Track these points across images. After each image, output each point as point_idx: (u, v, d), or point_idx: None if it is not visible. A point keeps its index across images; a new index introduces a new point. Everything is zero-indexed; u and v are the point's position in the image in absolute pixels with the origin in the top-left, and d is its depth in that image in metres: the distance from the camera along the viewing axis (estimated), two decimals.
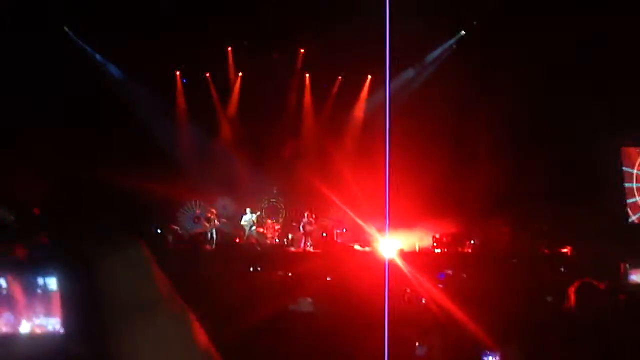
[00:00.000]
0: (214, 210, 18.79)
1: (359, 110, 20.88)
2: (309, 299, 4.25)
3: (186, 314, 1.19)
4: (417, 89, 20.27)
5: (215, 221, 18.40)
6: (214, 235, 18.26)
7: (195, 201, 20.19)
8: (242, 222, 18.72)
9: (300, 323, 4.13)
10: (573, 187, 17.21)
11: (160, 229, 16.40)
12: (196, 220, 19.30)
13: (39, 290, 1.45)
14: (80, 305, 1.34)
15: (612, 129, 17.29)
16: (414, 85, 20.48)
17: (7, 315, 1.46)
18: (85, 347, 1.31)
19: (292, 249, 18.38)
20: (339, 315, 4.49)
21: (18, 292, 1.45)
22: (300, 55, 19.84)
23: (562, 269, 11.20)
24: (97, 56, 19.08)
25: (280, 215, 20.78)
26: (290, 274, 10.62)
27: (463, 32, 19.46)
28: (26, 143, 16.06)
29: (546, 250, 16.91)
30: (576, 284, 5.40)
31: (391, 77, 20.56)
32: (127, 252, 1.23)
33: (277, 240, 19.13)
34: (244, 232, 18.57)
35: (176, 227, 18.73)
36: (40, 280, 1.46)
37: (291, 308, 4.30)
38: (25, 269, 1.46)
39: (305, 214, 18.72)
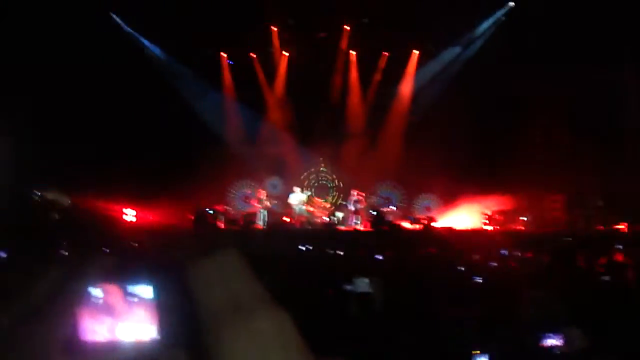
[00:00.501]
0: (263, 191, 18.92)
1: (407, 86, 20.66)
2: (366, 279, 4.23)
3: (284, 317, 1.18)
4: (466, 63, 19.93)
5: (266, 202, 18.48)
6: (266, 216, 18.36)
7: (245, 181, 20.38)
8: (291, 201, 18.78)
9: (357, 304, 4.13)
10: (628, 161, 16.73)
11: (212, 210, 16.62)
12: (246, 200, 19.48)
13: (135, 299, 1.48)
14: (176, 313, 1.35)
15: None
16: (462, 59, 20.14)
17: (109, 322, 1.48)
18: (182, 355, 1.32)
19: (342, 227, 18.39)
20: (394, 297, 4.47)
21: (118, 300, 1.48)
22: (346, 33, 19.68)
23: (619, 247, 10.86)
24: (144, 41, 19.32)
25: (330, 194, 20.83)
26: (341, 253, 10.63)
27: (512, 3, 18.94)
28: (78, 127, 16.43)
29: (601, 227, 16.51)
30: (632, 263, 5.26)
31: (439, 51, 20.30)
32: (221, 257, 1.23)
33: (326, 218, 19.16)
34: (294, 212, 18.64)
35: (227, 208, 18.97)
36: (136, 289, 1.48)
37: (347, 288, 4.28)
38: (121, 278, 1.48)
39: (355, 192, 18.68)
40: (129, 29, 18.95)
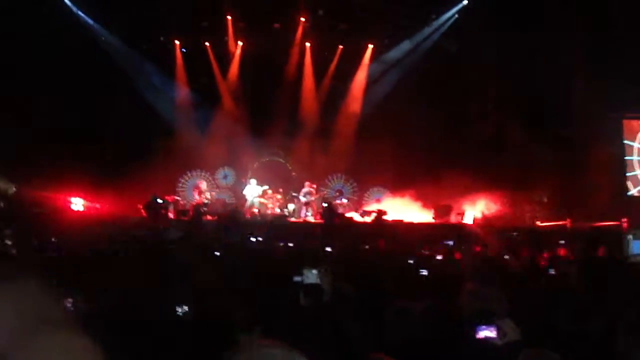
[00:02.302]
0: (204, 182, 18.98)
1: (360, 79, 20.77)
2: (314, 271, 4.29)
3: (75, 346, 1.23)
4: (418, 58, 20.18)
5: (207, 194, 18.48)
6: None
7: (196, 171, 20.23)
8: (245, 192, 18.75)
9: (306, 295, 4.19)
10: (573, 159, 17.24)
11: (162, 200, 16.45)
12: (195, 190, 19.36)
13: None
14: None
15: (613, 101, 17.23)
16: (414, 54, 20.35)
17: None
18: None
19: (293, 219, 18.46)
20: (342, 288, 4.56)
21: None
22: (301, 24, 19.66)
23: (562, 242, 11.25)
24: (97, 27, 18.89)
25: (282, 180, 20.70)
26: (291, 245, 10.68)
27: (466, 2, 19.22)
28: (25, 113, 16.02)
29: (545, 223, 16.98)
30: (576, 258, 5.49)
31: (393, 45, 20.48)
32: (18, 284, 1.27)
33: (278, 210, 19.19)
34: (246, 202, 18.60)
35: (177, 198, 18.80)
36: None
37: (295, 280, 4.35)
38: None
39: (306, 184, 18.78)
40: (80, 13, 18.51)
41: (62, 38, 16.35)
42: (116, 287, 4.26)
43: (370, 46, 20.33)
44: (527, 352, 2.79)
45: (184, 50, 20.04)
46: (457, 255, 9.04)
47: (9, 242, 8.31)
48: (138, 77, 19.30)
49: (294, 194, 19.68)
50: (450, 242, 10.61)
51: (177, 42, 19.85)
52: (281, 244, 10.69)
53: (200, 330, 3.52)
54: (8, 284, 1.26)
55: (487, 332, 3.12)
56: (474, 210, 18.10)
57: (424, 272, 6.20)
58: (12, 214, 13.25)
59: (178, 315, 3.92)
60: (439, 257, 8.74)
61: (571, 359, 2.80)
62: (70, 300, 3.69)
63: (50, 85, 16.23)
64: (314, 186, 18.90)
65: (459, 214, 17.86)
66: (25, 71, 15.65)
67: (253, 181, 18.92)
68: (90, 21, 18.72)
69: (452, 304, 3.68)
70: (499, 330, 3.13)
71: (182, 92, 20.17)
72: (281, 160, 21.04)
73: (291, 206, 19.22)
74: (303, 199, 18.68)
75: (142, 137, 17.71)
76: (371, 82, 20.67)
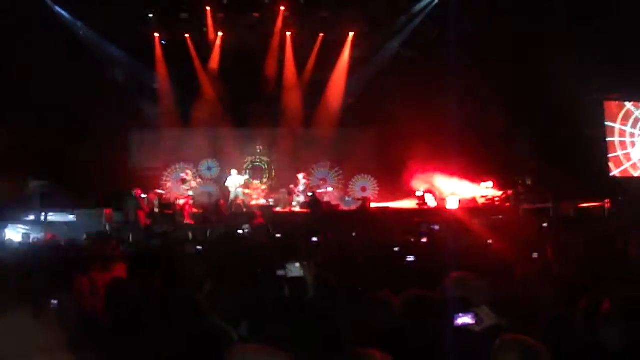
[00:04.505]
0: (188, 172, 18.78)
1: (342, 67, 20.68)
2: (297, 264, 4.29)
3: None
4: (400, 45, 20.18)
5: (192, 183, 18.30)
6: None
7: (180, 164, 20.13)
8: (227, 184, 18.64)
9: (290, 288, 4.19)
10: (556, 142, 17.33)
11: (146, 194, 16.34)
12: (181, 183, 19.27)
13: None
14: None
15: (594, 83, 17.34)
16: (396, 41, 20.32)
17: None
18: None
19: (278, 209, 18.43)
20: (327, 280, 4.56)
21: None
22: (281, 13, 19.54)
23: (544, 225, 11.34)
24: (76, 22, 18.66)
25: (265, 176, 20.79)
26: (278, 235, 10.69)
27: None
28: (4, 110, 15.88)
29: (529, 206, 17.08)
30: (552, 242, 5.54)
31: (374, 32, 20.43)
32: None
33: (263, 201, 19.15)
34: (229, 194, 18.51)
35: (161, 192, 18.68)
36: None
37: (279, 273, 4.35)
38: None
39: (302, 175, 18.62)
40: (58, 8, 18.28)
41: (39, 33, 16.12)
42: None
43: (351, 34, 20.25)
44: (504, 337, 2.83)
45: (164, 43, 19.84)
46: (442, 240, 9.07)
47: None
48: (118, 71, 19.11)
49: (282, 190, 19.65)
50: (436, 227, 10.67)
51: (156, 34, 19.64)
52: (266, 236, 10.68)
53: (185, 327, 3.52)
54: None
55: (465, 319, 3.16)
56: (458, 194, 18.19)
57: (411, 259, 6.20)
58: None
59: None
60: (424, 240, 8.80)
61: (551, 345, 2.83)
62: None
63: (31, 82, 16.04)
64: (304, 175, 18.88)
65: (442, 198, 17.95)
66: (6, 69, 15.43)
67: (234, 172, 18.75)
68: (68, 16, 18.49)
69: (432, 293, 3.71)
70: (476, 317, 3.18)
71: (163, 84, 19.98)
72: (264, 166, 20.92)
73: (277, 196, 19.20)
74: (301, 187, 18.51)
75: (124, 133, 17.57)
76: (353, 69, 20.58)
